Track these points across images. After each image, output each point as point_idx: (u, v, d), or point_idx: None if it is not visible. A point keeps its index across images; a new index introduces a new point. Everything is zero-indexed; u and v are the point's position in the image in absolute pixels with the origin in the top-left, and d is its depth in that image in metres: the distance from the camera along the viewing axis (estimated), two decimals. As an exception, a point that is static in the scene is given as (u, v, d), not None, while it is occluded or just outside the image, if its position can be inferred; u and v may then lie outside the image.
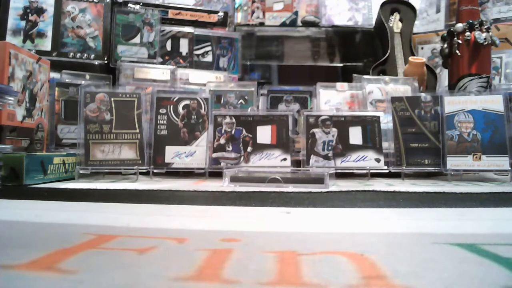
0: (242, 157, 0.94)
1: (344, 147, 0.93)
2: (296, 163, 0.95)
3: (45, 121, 0.97)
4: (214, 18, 1.43)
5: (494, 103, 0.89)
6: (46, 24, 1.23)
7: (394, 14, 1.46)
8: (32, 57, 0.91)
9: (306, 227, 0.41)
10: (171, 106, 0.97)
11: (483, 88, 1.08)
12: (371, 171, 0.91)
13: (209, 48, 1.39)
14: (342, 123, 0.95)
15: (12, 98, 0.74)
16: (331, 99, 1.15)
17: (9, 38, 1.19)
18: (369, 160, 0.92)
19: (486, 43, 1.08)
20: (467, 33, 1.09)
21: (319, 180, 0.73)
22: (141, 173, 0.89)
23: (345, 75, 1.50)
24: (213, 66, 1.38)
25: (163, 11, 1.37)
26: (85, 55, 1.25)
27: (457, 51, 1.11)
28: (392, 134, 0.95)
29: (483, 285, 0.23)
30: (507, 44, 1.39)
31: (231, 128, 0.96)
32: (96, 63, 1.26)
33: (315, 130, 0.95)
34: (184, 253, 0.30)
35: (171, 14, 1.39)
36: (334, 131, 0.94)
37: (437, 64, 1.48)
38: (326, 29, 1.58)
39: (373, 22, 1.58)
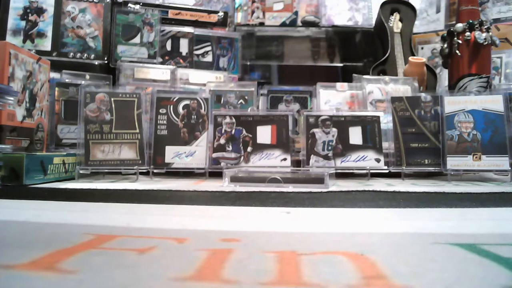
0: (242, 157, 0.94)
1: (344, 147, 0.93)
2: (296, 163, 0.95)
3: (45, 121, 0.97)
4: (214, 18, 1.43)
5: (494, 103, 0.89)
6: (46, 24, 1.23)
7: (394, 14, 1.46)
8: (32, 57, 0.91)
9: (306, 227, 0.41)
10: (171, 106, 0.97)
11: (483, 88, 1.08)
12: (371, 171, 0.91)
13: (209, 48, 1.39)
14: (342, 123, 0.95)
15: (12, 98, 0.74)
16: (331, 99, 1.15)
17: (9, 38, 1.19)
18: (369, 160, 0.92)
19: (486, 43, 1.08)
20: (467, 33, 1.09)
21: (319, 180, 0.73)
22: (141, 173, 0.89)
23: (345, 75, 1.50)
24: (213, 66, 1.38)
25: (163, 11, 1.37)
26: (85, 55, 1.25)
27: (457, 51, 1.11)
28: (392, 134, 0.95)
29: (483, 285, 0.23)
30: (507, 44, 1.39)
31: (231, 128, 0.96)
32: (96, 63, 1.26)
33: (315, 130, 0.95)
34: (184, 253, 0.30)
35: (171, 14, 1.39)
36: (334, 131, 0.94)
37: (437, 64, 1.48)
38: (326, 29, 1.58)
39: (373, 22, 1.58)
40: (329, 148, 0.94)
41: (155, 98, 0.97)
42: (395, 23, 1.44)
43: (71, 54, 1.24)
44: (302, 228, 0.41)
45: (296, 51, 1.60)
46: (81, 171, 0.87)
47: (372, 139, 0.93)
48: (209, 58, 1.39)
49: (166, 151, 0.94)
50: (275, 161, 0.94)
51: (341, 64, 1.58)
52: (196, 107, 0.97)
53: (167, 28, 1.35)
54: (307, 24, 1.57)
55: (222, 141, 0.95)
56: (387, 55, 1.40)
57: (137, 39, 1.29)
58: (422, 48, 1.54)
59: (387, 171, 0.92)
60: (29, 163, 0.74)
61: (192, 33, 1.37)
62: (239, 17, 1.69)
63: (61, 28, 1.24)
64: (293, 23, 1.59)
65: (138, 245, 0.32)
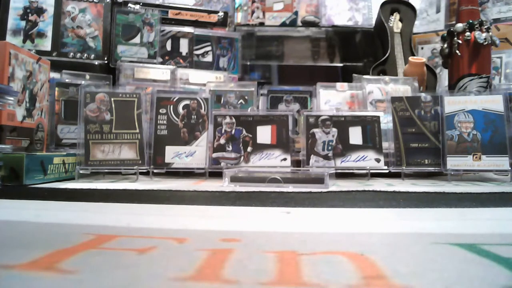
0: (242, 157, 0.94)
1: (344, 147, 0.93)
2: (296, 163, 0.95)
3: (45, 121, 0.97)
4: (214, 18, 1.43)
5: (494, 103, 0.89)
6: (46, 24, 1.23)
7: (394, 14, 1.46)
8: (32, 57, 0.91)
9: (306, 227, 0.41)
10: (171, 106, 0.97)
11: (483, 88, 1.08)
12: (371, 171, 0.91)
13: (209, 48, 1.39)
14: (342, 123, 0.95)
15: (12, 98, 0.74)
16: (331, 99, 1.15)
17: (9, 38, 1.19)
18: (369, 160, 0.92)
19: (486, 43, 1.08)
20: (467, 33, 1.09)
21: (319, 180, 0.73)
22: (141, 173, 0.89)
23: (345, 75, 1.50)
24: (213, 66, 1.38)
25: (163, 11, 1.37)
26: (85, 55, 1.25)
27: (457, 51, 1.11)
28: (392, 134, 0.95)
29: (483, 285, 0.23)
30: (507, 44, 1.39)
31: (231, 128, 0.96)
32: (96, 63, 1.26)
33: (315, 130, 0.95)
34: (184, 253, 0.30)
35: (171, 14, 1.39)
36: (334, 131, 0.94)
37: (437, 64, 1.48)
38: (326, 29, 1.58)
39: (373, 22, 1.58)
40: (329, 148, 0.94)
41: (155, 98, 0.97)
42: (395, 23, 1.44)
43: (71, 54, 1.24)
44: (302, 228, 0.41)
45: (296, 51, 1.60)
46: (81, 171, 0.87)
47: (372, 139, 0.93)
48: (209, 58, 1.39)
49: (166, 151, 0.94)
50: (275, 161, 0.94)
51: (341, 64, 1.58)
52: (196, 107, 0.97)
53: (167, 28, 1.35)
54: (307, 24, 1.57)
55: (222, 141, 0.95)
56: (387, 55, 1.40)
57: (137, 39, 1.29)
58: (422, 48, 1.54)
59: (387, 171, 0.92)
60: (29, 163, 0.74)
61: (192, 33, 1.37)
62: (239, 17, 1.69)
63: (61, 28, 1.24)
64: (293, 23, 1.59)
65: (138, 245, 0.32)
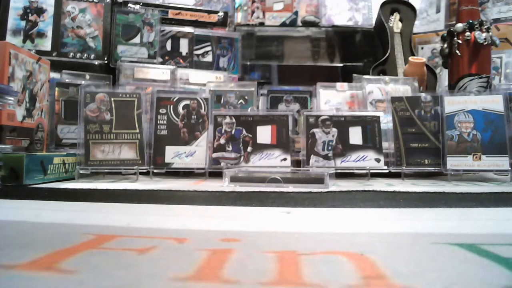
0: (242, 157, 0.94)
1: (344, 147, 0.93)
2: (296, 163, 0.95)
3: (45, 121, 0.97)
4: (214, 18, 1.43)
5: (494, 103, 0.89)
6: (46, 24, 1.23)
7: (394, 14, 1.46)
8: (32, 57, 0.91)
9: (306, 227, 0.41)
10: (171, 106, 0.97)
11: (483, 88, 1.08)
12: (371, 171, 0.91)
13: (209, 48, 1.39)
14: (342, 123, 0.95)
15: (12, 98, 0.74)
16: (331, 99, 1.15)
17: (9, 38, 1.19)
18: (369, 160, 0.92)
19: (486, 43, 1.08)
20: (467, 33, 1.09)
21: (319, 180, 0.73)
22: (141, 173, 0.89)
23: (345, 75, 1.50)
24: (213, 66, 1.38)
25: (163, 11, 1.37)
26: (85, 55, 1.25)
27: (457, 51, 1.11)
28: (392, 134, 0.95)
29: (483, 285, 0.23)
30: (507, 44, 1.39)
31: (231, 128, 0.96)
32: (96, 63, 1.26)
33: (315, 130, 0.95)
34: (184, 253, 0.30)
35: (171, 14, 1.39)
36: (334, 131, 0.94)
37: (437, 64, 1.48)
38: (326, 29, 1.58)
39: (373, 22, 1.58)
40: (329, 148, 0.94)
41: (155, 98, 0.97)
42: (395, 23, 1.44)
43: (71, 54, 1.24)
44: (302, 228, 0.41)
45: (296, 51, 1.60)
46: (81, 171, 0.87)
47: (372, 139, 0.93)
48: (209, 58, 1.39)
49: (166, 151, 0.94)
50: (275, 161, 0.94)
51: (341, 64, 1.58)
52: (196, 107, 0.97)
53: (167, 28, 1.35)
54: (307, 24, 1.57)
55: (222, 141, 0.95)
56: (387, 55, 1.40)
57: (137, 39, 1.29)
58: (422, 48, 1.54)
59: (387, 171, 0.92)
60: (29, 163, 0.74)
61: (192, 33, 1.37)
62: (239, 17, 1.69)
63: (61, 28, 1.24)
64: (293, 23, 1.59)
65: (138, 245, 0.32)
